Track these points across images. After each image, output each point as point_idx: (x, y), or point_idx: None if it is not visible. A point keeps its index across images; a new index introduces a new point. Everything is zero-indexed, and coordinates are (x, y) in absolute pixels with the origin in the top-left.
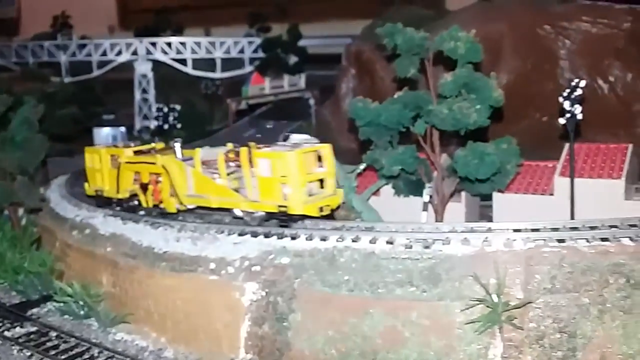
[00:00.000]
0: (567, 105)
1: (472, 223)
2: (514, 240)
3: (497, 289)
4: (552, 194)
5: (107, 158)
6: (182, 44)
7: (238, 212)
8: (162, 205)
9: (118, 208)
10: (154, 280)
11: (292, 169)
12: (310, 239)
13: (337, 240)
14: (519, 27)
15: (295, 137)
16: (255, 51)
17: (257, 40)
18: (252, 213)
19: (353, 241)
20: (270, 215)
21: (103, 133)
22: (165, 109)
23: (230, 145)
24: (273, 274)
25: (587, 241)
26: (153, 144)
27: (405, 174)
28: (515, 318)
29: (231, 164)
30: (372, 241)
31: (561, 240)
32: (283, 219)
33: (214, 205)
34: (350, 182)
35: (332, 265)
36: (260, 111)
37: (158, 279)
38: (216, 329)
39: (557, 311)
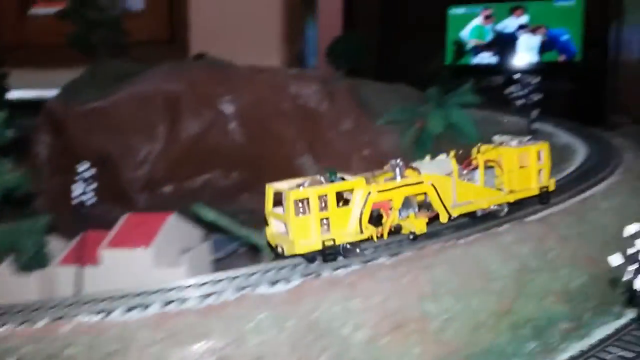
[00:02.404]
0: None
1: None
2: None
3: None
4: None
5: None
6: None
7: (480, 212)
8: (414, 230)
9: (359, 252)
10: None
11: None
12: None
13: None
14: (196, 87)
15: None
16: None
17: None
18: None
19: None
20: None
21: None
22: None
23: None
24: None
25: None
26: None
27: None
28: None
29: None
30: None
31: None
32: (544, 197)
33: (472, 209)
34: None
35: None
36: None
37: None
38: None
39: None
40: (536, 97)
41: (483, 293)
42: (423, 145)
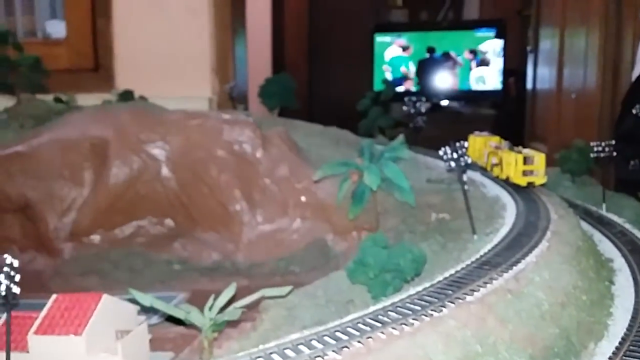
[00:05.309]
0: None
1: None
2: None
3: None
4: (28, 352)
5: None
6: None
7: None
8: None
9: None
10: None
11: None
12: None
13: None
14: (123, 133)
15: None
16: None
17: None
18: None
19: None
20: None
21: None
22: None
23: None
24: None
25: None
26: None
27: None
28: None
29: None
30: None
31: None
32: None
33: None
34: None
35: None
36: None
37: None
38: None
39: None
40: (421, 120)
41: None
42: (360, 198)
